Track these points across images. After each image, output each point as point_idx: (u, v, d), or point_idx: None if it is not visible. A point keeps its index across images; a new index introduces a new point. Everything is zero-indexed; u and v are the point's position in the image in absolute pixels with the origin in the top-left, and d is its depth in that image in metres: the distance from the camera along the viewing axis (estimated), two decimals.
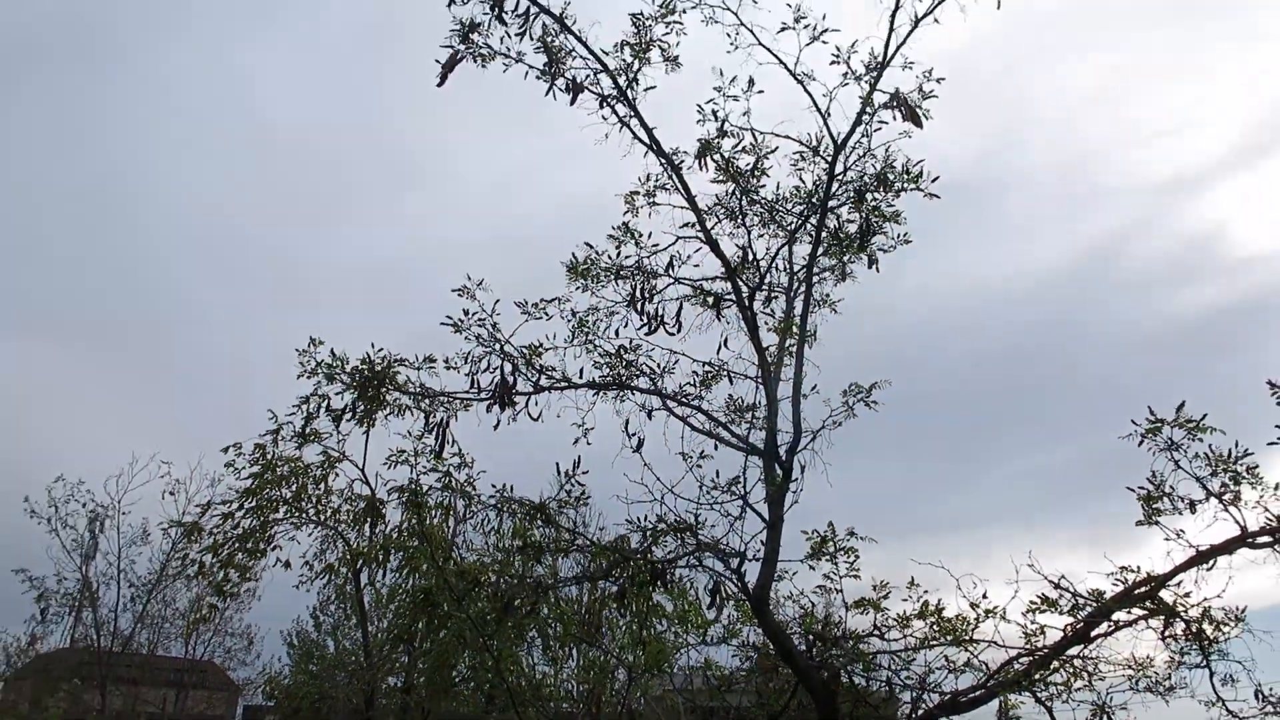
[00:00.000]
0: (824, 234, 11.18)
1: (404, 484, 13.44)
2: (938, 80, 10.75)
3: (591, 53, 10.81)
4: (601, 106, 10.99)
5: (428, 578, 15.90)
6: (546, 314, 11.03)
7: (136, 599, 20.15)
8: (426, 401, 11.02)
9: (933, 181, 10.88)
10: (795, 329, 11.12)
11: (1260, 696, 10.19)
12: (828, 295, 11.91)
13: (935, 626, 11.54)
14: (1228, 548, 9.98)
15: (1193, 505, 10.14)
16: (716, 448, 11.16)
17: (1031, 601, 10.31)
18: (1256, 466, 10.06)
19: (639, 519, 10.69)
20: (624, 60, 10.78)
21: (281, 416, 14.88)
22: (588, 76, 10.98)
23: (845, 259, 11.63)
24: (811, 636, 11.54)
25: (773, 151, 11.11)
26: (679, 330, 11.28)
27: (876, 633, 11.65)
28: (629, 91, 10.86)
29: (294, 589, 19.18)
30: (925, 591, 11.54)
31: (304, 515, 17.80)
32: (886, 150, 11.23)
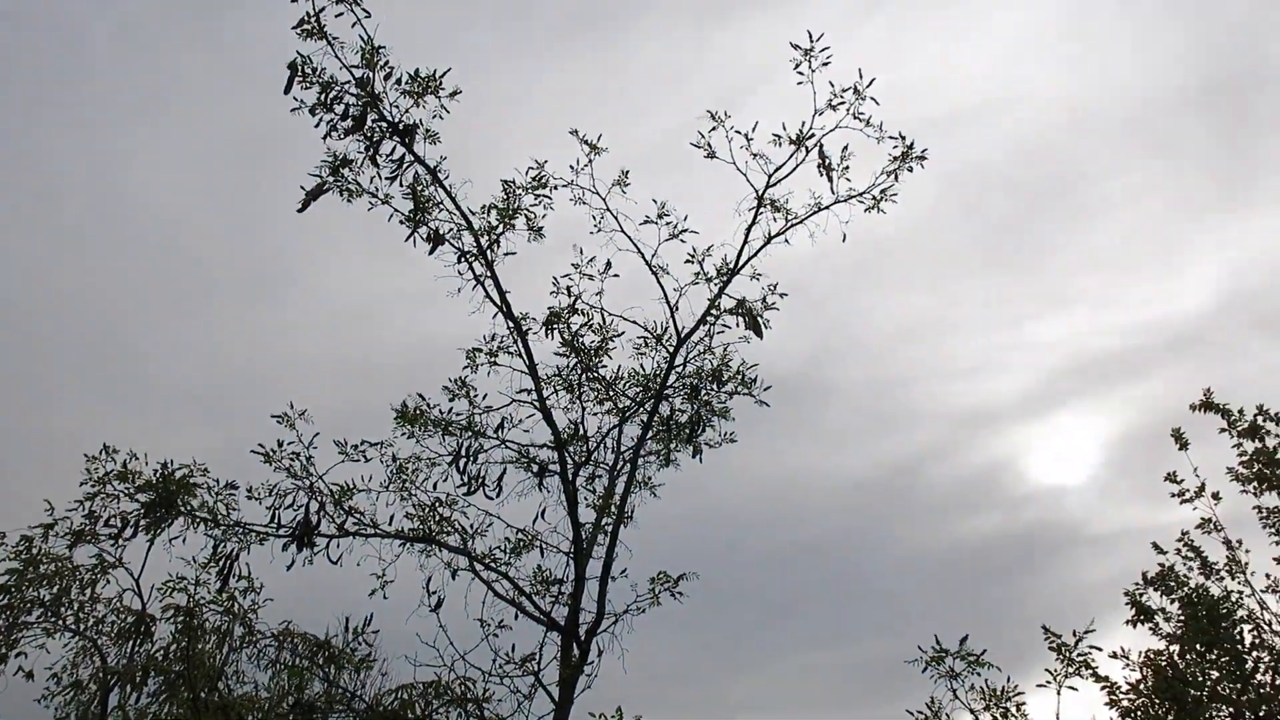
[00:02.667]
0: (655, 420, 11.46)
1: (181, 603, 12.49)
2: (781, 295, 11.49)
3: (459, 209, 10.98)
4: (459, 261, 11.10)
5: (186, 707, 14.60)
6: (365, 457, 10.72)
7: None
8: (219, 530, 10.40)
9: (765, 390, 11.43)
10: (614, 509, 11.18)
11: None
12: (650, 478, 12.09)
13: None
14: None
15: None
16: (517, 618, 10.92)
17: None
18: (1024, 704, 10.61)
19: (424, 684, 10.26)
20: (488, 222, 10.99)
21: (61, 510, 13.75)
22: (450, 230, 11.11)
23: (673, 446, 11.90)
24: None
25: (619, 335, 11.43)
26: (498, 495, 11.16)
27: None
28: (489, 252, 11.03)
29: (35, 702, 17.18)
30: None
31: (61, 622, 16.11)
32: (725, 350, 11.80)
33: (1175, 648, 11.39)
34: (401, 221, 11.00)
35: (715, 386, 11.54)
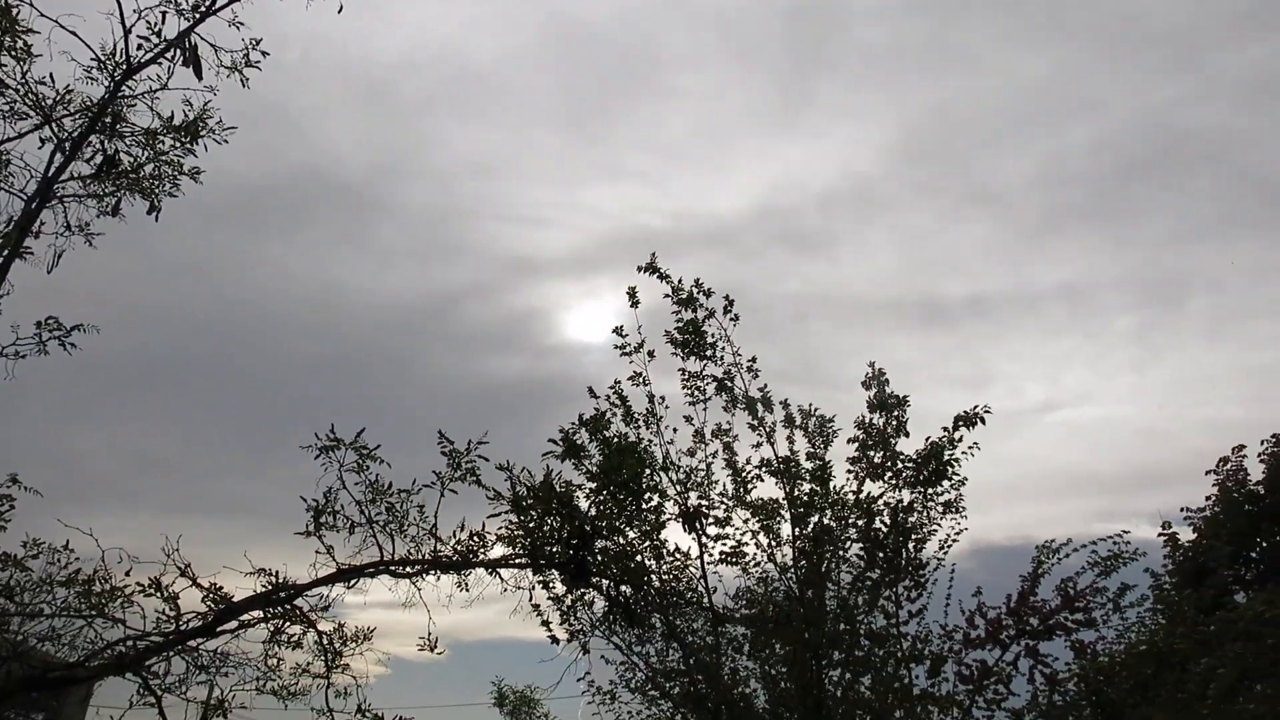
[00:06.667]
0: (82, 151, 10.19)
1: None
2: (264, 53, 10.61)
3: None
4: None
5: None
6: None
7: None
8: None
9: (210, 134, 10.56)
10: (13, 240, 9.83)
11: (361, 711, 11.10)
12: (88, 224, 10.76)
13: (81, 598, 10.91)
14: (367, 570, 10.76)
15: (353, 527, 10.78)
16: None
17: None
18: (411, 498, 10.99)
19: None
20: None
21: None
22: None
23: (117, 193, 10.67)
24: None
25: (27, 31, 9.75)
26: None
27: (5, 594, 10.67)
28: None
29: None
30: (78, 559, 10.86)
31: None
32: (206, 102, 10.75)
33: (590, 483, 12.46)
34: None
35: (177, 134, 10.47)
